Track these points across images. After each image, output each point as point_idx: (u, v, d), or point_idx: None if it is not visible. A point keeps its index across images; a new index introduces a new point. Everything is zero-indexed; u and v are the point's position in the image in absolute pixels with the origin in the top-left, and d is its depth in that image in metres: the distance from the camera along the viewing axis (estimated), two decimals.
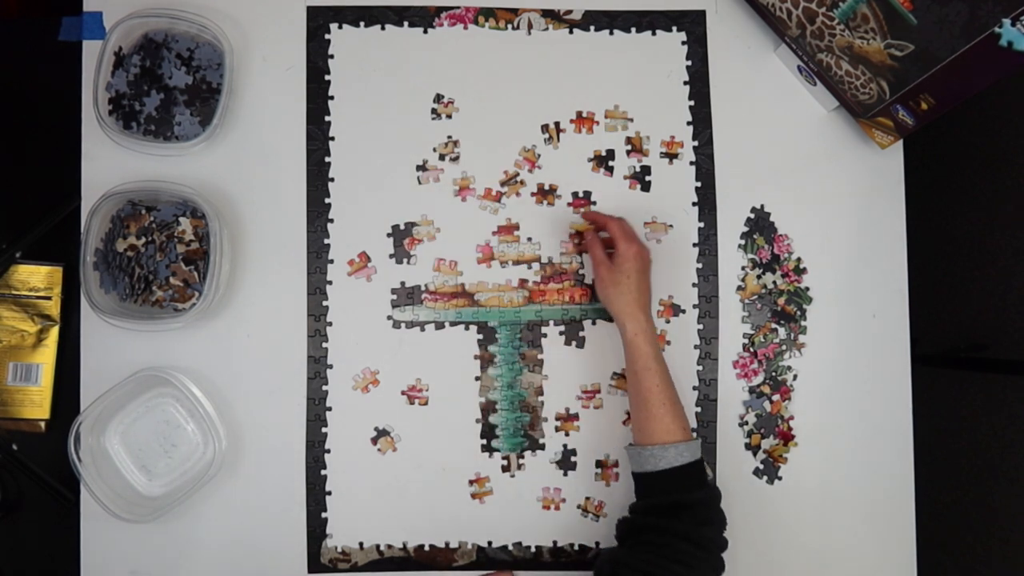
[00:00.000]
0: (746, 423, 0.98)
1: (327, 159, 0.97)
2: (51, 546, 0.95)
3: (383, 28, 0.99)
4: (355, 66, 0.98)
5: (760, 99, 1.00)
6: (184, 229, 0.95)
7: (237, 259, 0.95)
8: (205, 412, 0.91)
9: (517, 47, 0.99)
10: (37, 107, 0.99)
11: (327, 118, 0.98)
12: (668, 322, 0.98)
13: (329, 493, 0.95)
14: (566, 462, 0.96)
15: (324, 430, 0.95)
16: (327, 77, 0.98)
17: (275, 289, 0.96)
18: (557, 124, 0.99)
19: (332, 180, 0.97)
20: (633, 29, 1.00)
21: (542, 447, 0.97)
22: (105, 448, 0.93)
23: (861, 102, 0.92)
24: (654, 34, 1.00)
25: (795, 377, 0.98)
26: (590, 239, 0.92)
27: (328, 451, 0.95)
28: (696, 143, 0.99)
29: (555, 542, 0.96)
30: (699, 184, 0.99)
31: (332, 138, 0.98)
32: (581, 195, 0.99)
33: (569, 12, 1.00)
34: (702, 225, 0.99)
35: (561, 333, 0.97)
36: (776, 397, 0.98)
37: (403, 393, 0.96)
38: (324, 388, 0.96)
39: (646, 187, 0.99)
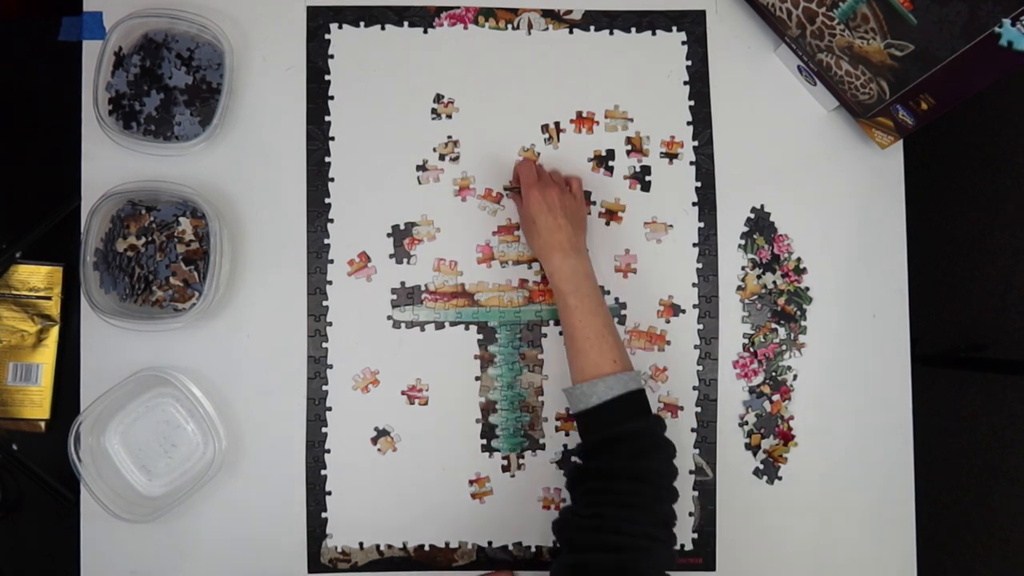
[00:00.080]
0: (746, 423, 0.98)
1: (327, 159, 0.97)
2: (51, 546, 0.95)
3: (383, 28, 0.99)
4: (355, 66, 0.98)
5: (760, 99, 1.00)
6: (184, 229, 0.95)
7: (237, 259, 0.95)
8: (205, 412, 0.91)
9: (517, 47, 1.00)
10: (37, 107, 0.99)
11: (327, 118, 0.98)
12: (668, 322, 0.98)
13: (329, 493, 0.95)
14: (566, 462, 0.96)
15: (324, 430, 0.95)
16: (327, 77, 0.98)
17: (275, 289, 0.96)
18: (557, 124, 0.99)
19: (332, 180, 0.97)
20: (633, 29, 1.00)
21: (542, 447, 0.97)
22: (105, 448, 0.93)
23: (861, 102, 0.92)
24: (654, 34, 1.00)
25: (795, 377, 0.98)
26: (516, 201, 0.95)
27: (328, 451, 0.95)
28: (696, 143, 0.99)
29: (555, 542, 0.96)
30: (699, 184, 0.99)
31: (332, 138, 0.98)
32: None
33: (569, 12, 1.00)
34: (702, 225, 0.99)
35: (561, 333, 0.97)
36: (776, 397, 0.98)
37: (403, 393, 0.96)
38: (324, 388, 0.96)
39: (646, 187, 0.99)
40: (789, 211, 0.99)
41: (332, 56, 0.98)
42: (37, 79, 0.99)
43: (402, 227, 0.98)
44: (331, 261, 0.97)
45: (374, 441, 0.96)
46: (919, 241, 0.99)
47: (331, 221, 0.97)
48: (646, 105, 1.00)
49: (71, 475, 0.87)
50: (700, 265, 0.98)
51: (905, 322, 0.98)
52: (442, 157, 0.98)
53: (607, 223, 0.98)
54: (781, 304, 0.98)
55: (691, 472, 0.96)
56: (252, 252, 0.96)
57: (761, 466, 0.97)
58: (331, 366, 0.96)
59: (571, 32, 1.00)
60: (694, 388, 0.98)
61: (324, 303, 0.96)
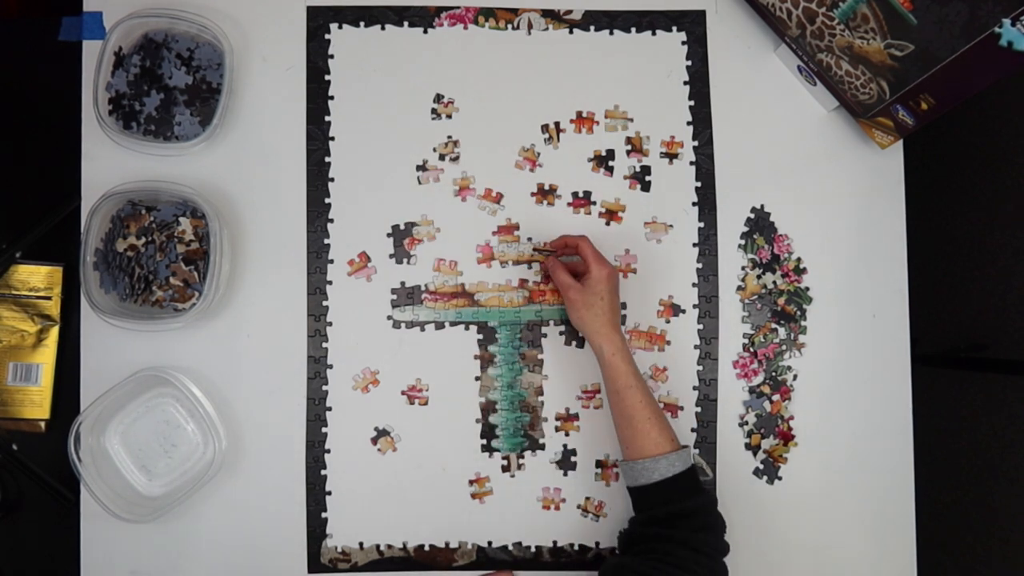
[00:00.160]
0: (746, 423, 0.98)
1: (327, 159, 0.97)
2: (51, 546, 0.95)
3: (383, 28, 0.99)
4: (355, 66, 0.98)
5: (760, 99, 1.00)
6: (184, 229, 0.95)
7: (237, 259, 0.95)
8: (205, 412, 0.91)
9: (517, 47, 1.00)
10: (37, 107, 0.99)
11: (327, 118, 0.98)
12: (668, 322, 0.98)
13: (329, 493, 0.95)
14: (566, 462, 0.96)
15: (324, 430, 0.95)
16: (327, 77, 0.98)
17: (275, 289, 0.96)
18: (557, 124, 0.99)
19: (332, 180, 0.97)
20: (633, 29, 1.00)
21: (542, 447, 0.97)
22: (105, 448, 0.93)
23: (861, 102, 0.92)
24: (654, 34, 1.00)
25: (795, 377, 0.98)
26: (552, 265, 0.91)
27: (328, 451, 0.95)
28: (696, 143, 0.99)
29: (555, 542, 0.96)
30: (699, 184, 0.99)
31: (332, 138, 0.98)
32: (581, 195, 0.99)
33: (569, 12, 1.00)
34: (702, 225, 0.99)
35: (561, 333, 0.97)
36: (776, 397, 0.98)
37: (403, 393, 0.96)
38: (324, 388, 0.96)
39: (646, 187, 0.99)
40: (789, 211, 0.99)
41: (332, 56, 0.98)
42: (37, 79, 0.99)
43: (402, 227, 0.98)
44: (331, 261, 0.97)
45: (374, 441, 0.96)
46: (919, 241, 0.99)
47: (331, 221, 0.97)
48: (646, 105, 1.00)
49: (71, 475, 0.87)
50: (700, 265, 0.98)
51: (905, 322, 0.98)
52: (442, 157, 0.98)
53: (607, 223, 0.98)
54: (781, 304, 0.98)
55: None
56: (252, 252, 0.96)
57: (761, 466, 0.97)
58: (331, 366, 0.96)
59: (571, 32, 1.00)
60: (694, 388, 0.98)
61: (324, 303, 0.96)
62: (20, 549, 0.95)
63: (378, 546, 0.95)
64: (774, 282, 0.99)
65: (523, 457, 0.96)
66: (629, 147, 0.99)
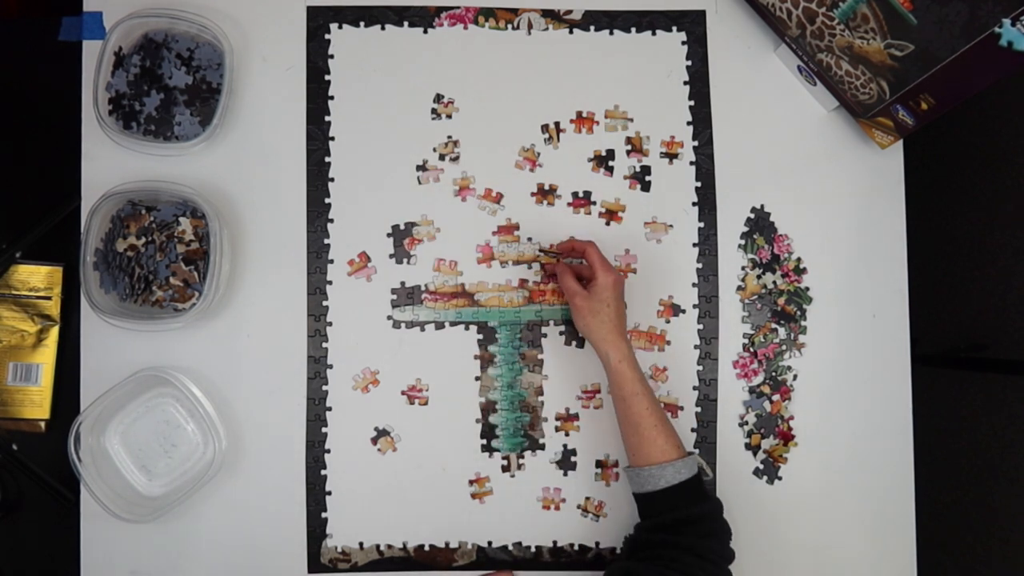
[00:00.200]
0: (746, 423, 0.98)
1: (327, 159, 0.97)
2: (51, 546, 0.95)
3: (383, 28, 0.99)
4: (355, 66, 0.98)
5: (760, 99, 1.00)
6: (184, 229, 0.95)
7: (237, 259, 0.95)
8: (205, 412, 0.91)
9: (517, 47, 1.00)
10: (37, 107, 0.99)
11: (327, 118, 0.98)
12: (668, 322, 0.98)
13: (329, 493, 0.95)
14: (566, 462, 0.96)
15: (324, 430, 0.95)
16: (327, 77, 0.98)
17: (275, 289, 0.96)
18: (557, 124, 0.99)
19: (332, 180, 0.97)
20: (633, 29, 1.00)
21: (542, 447, 0.97)
22: (105, 448, 0.93)
23: (861, 102, 0.92)
24: (654, 34, 1.00)
25: (795, 377, 0.98)
26: (561, 270, 0.91)
27: (328, 451, 0.95)
28: (696, 143, 0.99)
29: (555, 542, 0.96)
30: (699, 184, 0.99)
31: (332, 138, 0.98)
32: (581, 195, 0.99)
33: (569, 12, 1.00)
34: (702, 225, 0.99)
35: (561, 333, 0.97)
36: (776, 397, 0.98)
37: (403, 393, 0.96)
38: (324, 388, 0.96)
39: (646, 187, 0.99)
40: (789, 211, 0.99)
41: (332, 56, 0.98)
42: (37, 79, 0.99)
43: (402, 227, 0.98)
44: (331, 261, 0.97)
45: (374, 441, 0.96)
46: (919, 241, 0.99)
47: (331, 221, 0.97)
48: (646, 105, 1.00)
49: (71, 475, 0.87)
50: (700, 265, 0.98)
51: (905, 322, 0.98)
52: (442, 157, 0.98)
53: (607, 223, 0.98)
54: (781, 304, 0.98)
55: None
56: (252, 252, 0.96)
57: (761, 466, 0.97)
58: (331, 366, 0.96)
59: (571, 32, 1.00)
60: (694, 388, 0.98)
61: (324, 303, 0.96)
62: (20, 549, 0.95)
63: (378, 546, 0.95)
64: (774, 282, 0.99)
65: (523, 457, 0.96)
66: (629, 147, 0.99)
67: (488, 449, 0.96)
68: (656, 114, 0.99)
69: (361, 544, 0.95)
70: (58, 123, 0.96)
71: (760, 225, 0.99)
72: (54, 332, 0.95)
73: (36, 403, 0.94)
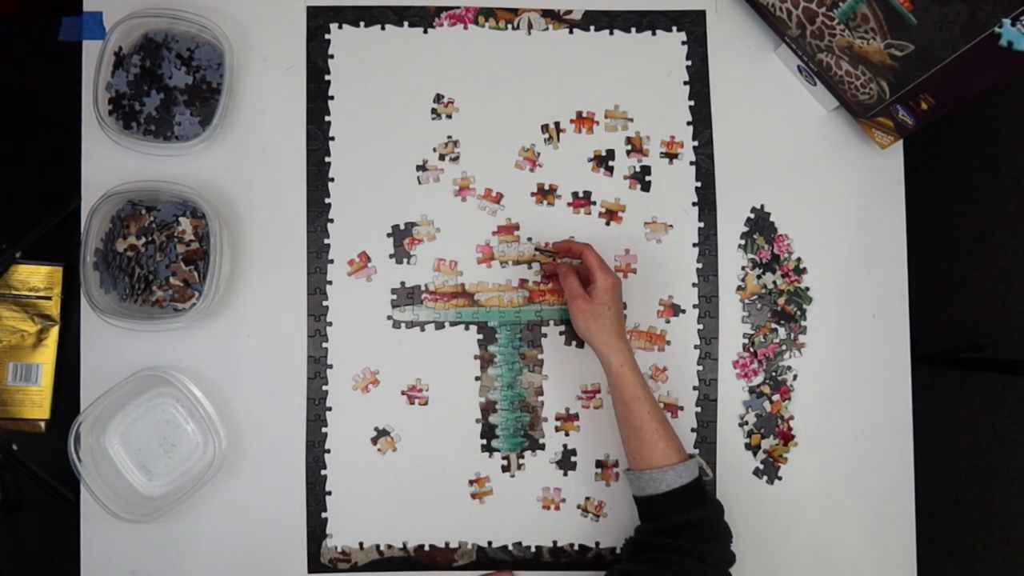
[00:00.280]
0: (746, 423, 0.98)
1: (327, 159, 0.97)
2: (51, 546, 0.95)
3: (383, 28, 0.99)
4: (355, 66, 0.98)
5: (760, 99, 1.00)
6: (184, 229, 0.95)
7: (237, 259, 0.95)
8: (205, 412, 0.91)
9: (517, 47, 1.00)
10: (37, 107, 0.99)
11: (327, 118, 0.98)
12: (668, 322, 0.98)
13: (329, 493, 0.95)
14: (566, 462, 0.96)
15: (324, 430, 0.95)
16: (327, 77, 0.98)
17: (275, 289, 0.96)
18: (557, 124, 0.99)
19: (332, 180, 0.97)
20: (633, 29, 1.00)
21: (542, 447, 0.97)
22: (105, 448, 0.93)
23: (861, 102, 0.92)
24: (654, 34, 1.00)
25: (795, 377, 0.98)
26: (564, 271, 0.91)
27: (328, 451, 0.95)
28: (696, 143, 0.99)
29: (555, 542, 0.96)
30: (699, 184, 0.99)
31: (332, 138, 0.98)
32: (581, 195, 0.99)
33: (569, 12, 1.00)
34: (702, 225, 0.99)
35: (561, 333, 0.97)
36: (776, 397, 0.98)
37: (403, 393, 0.96)
38: (324, 388, 0.96)
39: (646, 187, 0.99)
40: (789, 211, 0.99)
41: (332, 56, 0.98)
42: (37, 79, 0.99)
43: (402, 227, 0.98)
44: (331, 261, 0.97)
45: (374, 441, 0.96)
46: (919, 241, 0.99)
47: (331, 221, 0.97)
48: (646, 105, 1.00)
49: (71, 475, 0.87)
50: (700, 265, 0.98)
51: (905, 322, 0.98)
52: (442, 157, 0.98)
53: (607, 223, 0.98)
54: (781, 304, 0.98)
55: None
56: (252, 252, 0.96)
57: (761, 466, 0.97)
58: (331, 366, 0.96)
59: (571, 32, 1.00)
60: (694, 388, 0.98)
61: (324, 303, 0.96)
62: (20, 549, 0.95)
63: (378, 546, 0.95)
64: (774, 282, 0.99)
65: (523, 457, 0.96)
66: (629, 147, 0.99)
67: (488, 449, 0.96)
68: (656, 114, 0.99)
69: (361, 544, 0.95)
70: (58, 123, 0.96)
71: (760, 225, 0.99)
72: (54, 332, 0.95)
73: (36, 403, 0.94)
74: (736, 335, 0.98)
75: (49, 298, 0.95)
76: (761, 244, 0.99)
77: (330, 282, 0.96)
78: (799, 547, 0.97)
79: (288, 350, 0.95)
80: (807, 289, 0.99)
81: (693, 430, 0.97)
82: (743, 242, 0.99)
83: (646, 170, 0.99)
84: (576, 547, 0.96)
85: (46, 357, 0.95)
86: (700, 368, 0.98)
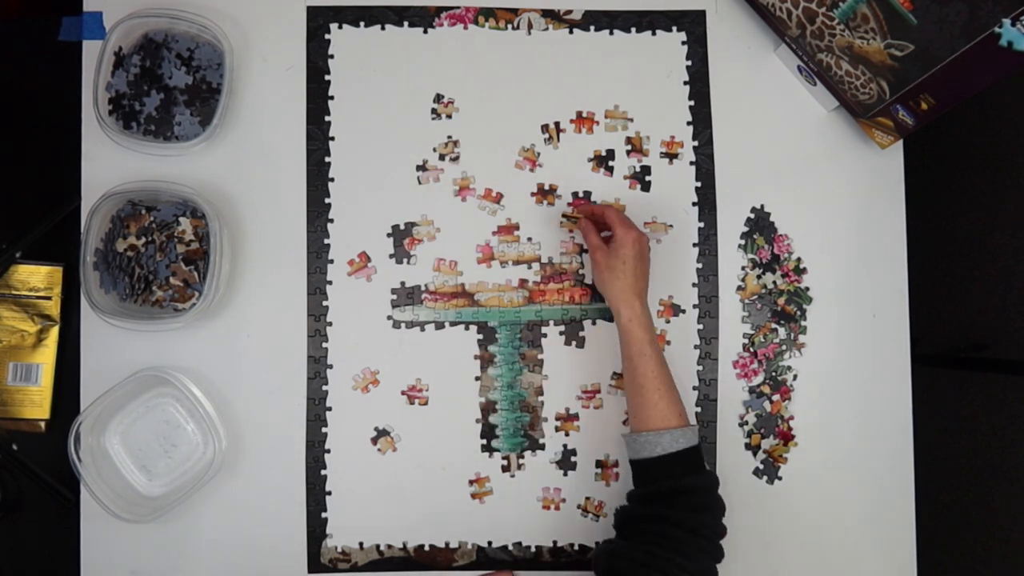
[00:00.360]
0: (746, 423, 0.98)
1: (327, 159, 0.97)
2: (51, 546, 0.95)
3: (383, 28, 0.99)
4: (355, 66, 0.98)
5: (760, 99, 1.00)
6: (184, 229, 0.95)
7: (237, 259, 0.95)
8: (205, 412, 0.91)
9: (517, 47, 1.00)
10: (37, 107, 0.99)
11: (327, 118, 0.98)
12: (668, 322, 0.98)
13: (329, 493, 0.95)
14: (566, 462, 0.96)
15: (324, 430, 0.95)
16: (327, 77, 0.98)
17: (275, 289, 0.96)
18: (557, 124, 0.99)
19: (332, 180, 0.97)
20: (633, 29, 1.00)
21: (542, 447, 0.97)
22: (105, 448, 0.93)
23: (861, 102, 0.92)
24: (654, 34, 1.00)
25: (795, 377, 0.98)
26: (584, 225, 0.92)
27: (328, 451, 0.95)
28: (696, 143, 0.99)
29: (555, 542, 0.96)
30: (699, 184, 0.99)
31: (332, 138, 0.98)
32: (581, 195, 0.99)
33: (569, 12, 1.00)
34: (702, 225, 0.99)
35: (561, 333, 0.97)
36: (776, 397, 0.98)
37: (403, 393, 0.96)
38: (324, 388, 0.96)
39: (646, 187, 0.99)
40: (789, 211, 0.99)
41: (332, 56, 0.98)
42: (37, 79, 0.99)
43: (402, 227, 0.98)
44: (331, 261, 0.97)
45: (374, 441, 0.96)
46: (919, 241, 0.99)
47: (331, 221, 0.97)
48: (646, 105, 1.00)
49: (71, 475, 0.87)
50: (700, 265, 0.98)
51: (905, 322, 0.98)
52: (442, 157, 0.98)
53: None
54: (781, 304, 0.99)
55: None
56: (252, 252, 0.96)
57: (761, 466, 0.97)
58: (331, 366, 0.96)
59: (571, 32, 1.00)
60: (694, 388, 0.98)
61: (324, 303, 0.96)
62: (20, 549, 0.95)
63: (378, 546, 0.95)
64: (774, 282, 0.99)
65: (523, 457, 0.96)
66: (629, 147, 0.99)
67: (488, 449, 0.96)
68: (656, 114, 0.99)
69: (361, 544, 0.95)
70: (58, 123, 0.96)
71: (760, 225, 0.99)
72: (54, 332, 0.95)
73: (36, 403, 0.94)
74: (736, 335, 0.98)
75: (49, 298, 0.95)
76: (761, 244, 0.99)
77: (330, 282, 0.96)
78: (799, 547, 0.97)
79: (288, 350, 0.95)
80: (807, 289, 0.99)
81: (700, 422, 0.97)
82: (743, 242, 0.99)
83: (646, 170, 0.99)
84: (576, 547, 0.96)
85: (46, 357, 0.95)
86: (700, 368, 0.98)
